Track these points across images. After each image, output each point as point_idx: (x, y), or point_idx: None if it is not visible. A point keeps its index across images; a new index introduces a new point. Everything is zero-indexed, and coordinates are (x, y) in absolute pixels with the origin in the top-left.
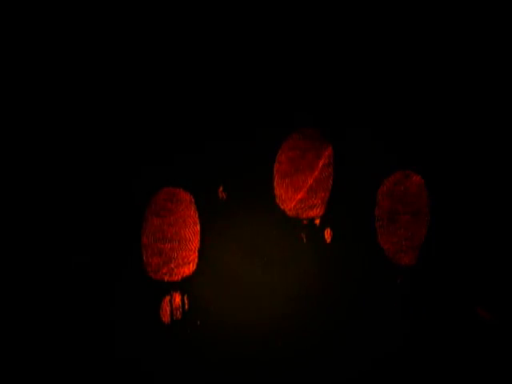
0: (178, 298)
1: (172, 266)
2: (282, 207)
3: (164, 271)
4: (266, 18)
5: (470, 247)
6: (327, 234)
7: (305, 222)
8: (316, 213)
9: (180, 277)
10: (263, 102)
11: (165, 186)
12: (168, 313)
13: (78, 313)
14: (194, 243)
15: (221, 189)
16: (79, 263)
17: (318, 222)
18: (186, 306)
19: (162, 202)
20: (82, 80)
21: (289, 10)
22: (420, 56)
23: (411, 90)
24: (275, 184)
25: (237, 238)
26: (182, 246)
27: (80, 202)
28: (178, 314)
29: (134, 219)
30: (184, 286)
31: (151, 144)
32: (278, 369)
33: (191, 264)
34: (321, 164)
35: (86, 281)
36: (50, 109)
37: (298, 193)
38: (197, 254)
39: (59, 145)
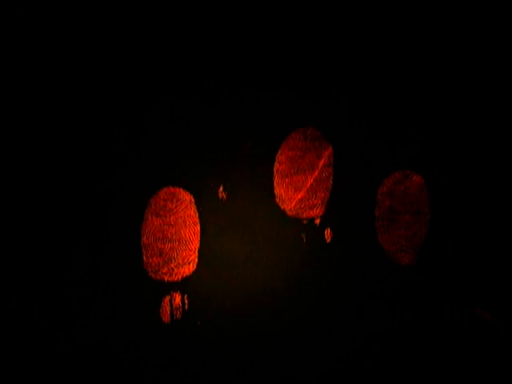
0: (178, 298)
1: (172, 265)
2: (282, 207)
3: (164, 271)
4: (266, 16)
5: (469, 247)
6: (327, 234)
7: (305, 221)
8: (316, 213)
9: (180, 277)
10: (263, 102)
11: (165, 186)
12: (168, 313)
13: (78, 313)
14: (194, 243)
15: (221, 189)
16: (79, 263)
17: (317, 221)
18: (186, 306)
19: (161, 202)
20: (80, 79)
21: (289, 11)
22: (420, 56)
23: (411, 91)
24: (275, 184)
25: (237, 238)
26: (181, 246)
27: (80, 202)
28: (178, 314)
29: (134, 219)
30: (184, 285)
31: (151, 144)
32: (278, 368)
33: (191, 264)
34: (321, 164)
35: (86, 281)
36: (51, 109)
37: (298, 193)
38: (197, 254)
39: (59, 145)
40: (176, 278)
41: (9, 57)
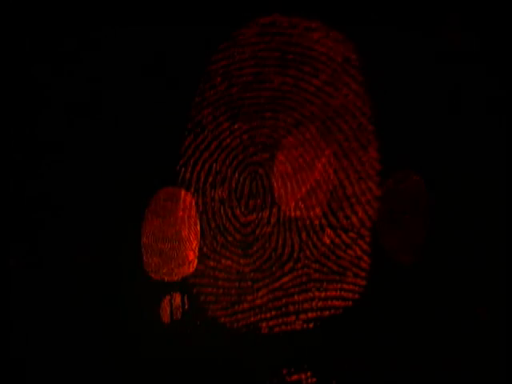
0: (177, 298)
1: (172, 266)
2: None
3: (164, 271)
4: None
5: (469, 247)
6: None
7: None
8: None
9: (180, 277)
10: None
11: (165, 186)
12: (168, 313)
13: (78, 312)
14: (194, 243)
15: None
16: (79, 263)
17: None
18: (186, 306)
19: (161, 202)
20: (82, 79)
21: (290, 10)
22: (420, 57)
23: (411, 91)
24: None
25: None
26: (181, 246)
27: (80, 202)
28: (178, 314)
29: (134, 219)
30: (184, 286)
31: (151, 144)
32: (277, 368)
33: (191, 264)
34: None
35: (86, 281)
36: (51, 108)
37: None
38: (197, 254)
39: (59, 144)
40: (176, 278)
41: None
